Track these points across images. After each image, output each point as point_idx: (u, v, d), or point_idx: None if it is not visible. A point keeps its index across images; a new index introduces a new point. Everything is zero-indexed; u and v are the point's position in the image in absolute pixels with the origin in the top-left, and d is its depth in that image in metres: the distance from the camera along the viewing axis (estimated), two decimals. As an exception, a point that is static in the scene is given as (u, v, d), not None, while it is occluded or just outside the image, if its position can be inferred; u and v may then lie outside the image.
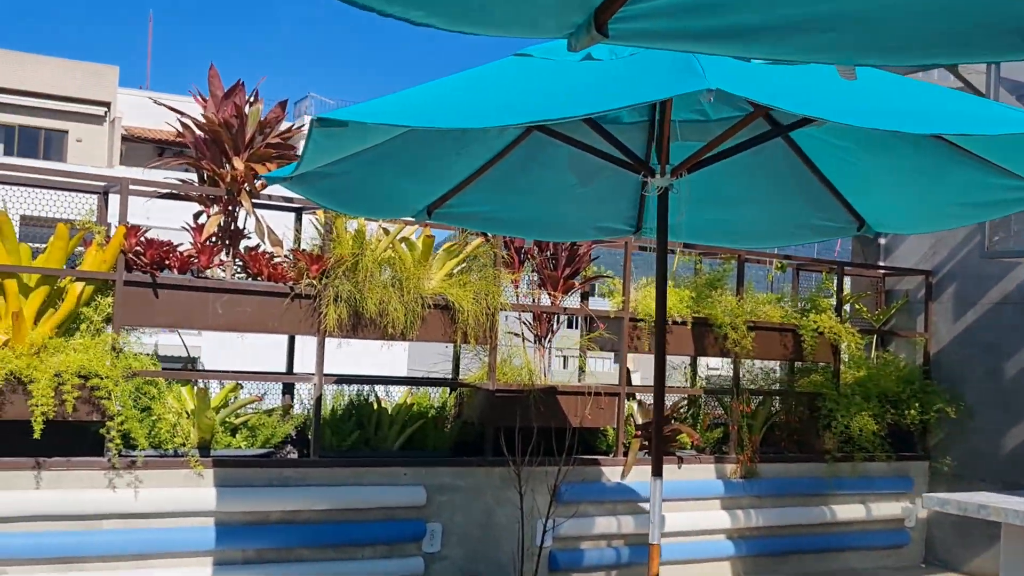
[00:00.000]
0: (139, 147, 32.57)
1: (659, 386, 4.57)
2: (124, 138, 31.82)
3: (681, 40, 2.42)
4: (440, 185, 5.29)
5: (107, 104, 32.05)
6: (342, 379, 6.55)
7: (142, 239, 5.72)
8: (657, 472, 4.52)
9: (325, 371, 6.27)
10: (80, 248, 5.87)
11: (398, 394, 7.10)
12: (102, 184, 6.08)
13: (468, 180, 5.24)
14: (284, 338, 6.72)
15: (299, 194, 4.84)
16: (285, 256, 6.22)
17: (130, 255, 5.70)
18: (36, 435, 5.26)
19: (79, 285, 5.64)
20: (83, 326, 5.71)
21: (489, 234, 6.69)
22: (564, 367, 8.42)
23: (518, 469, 6.40)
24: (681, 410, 7.87)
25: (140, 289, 5.75)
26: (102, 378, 5.46)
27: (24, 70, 30.87)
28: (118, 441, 5.57)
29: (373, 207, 5.33)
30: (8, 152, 30.67)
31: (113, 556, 5.66)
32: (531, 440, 6.49)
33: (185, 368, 6.28)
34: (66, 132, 32.23)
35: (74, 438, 5.57)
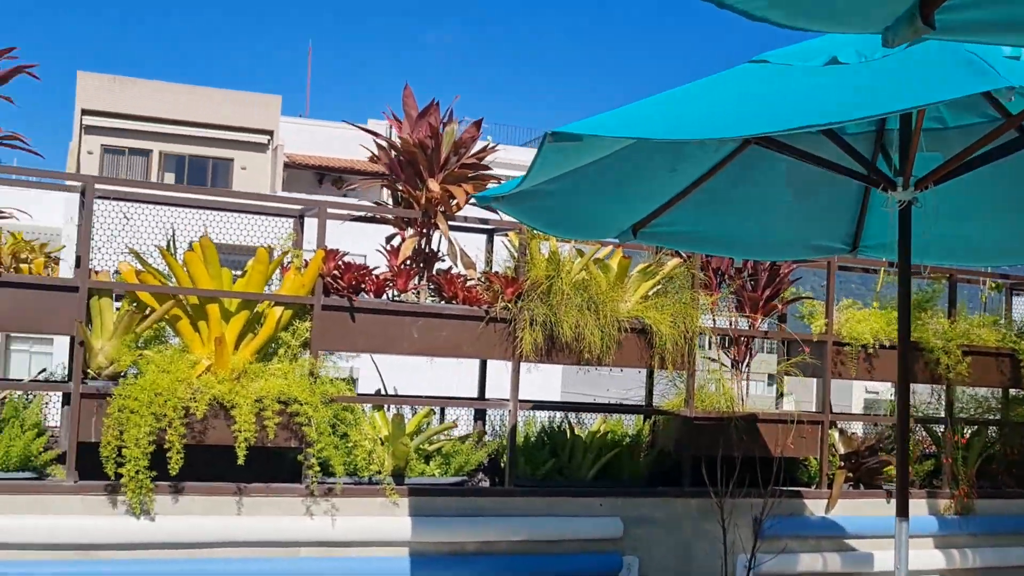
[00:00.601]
0: (300, 173, 33.45)
1: (903, 417, 4.18)
2: (286, 165, 32.71)
3: (1014, 32, 2.10)
4: (648, 203, 5.04)
5: (270, 132, 33.01)
6: (538, 405, 6.34)
7: (340, 263, 5.64)
8: (902, 512, 4.11)
9: (507, 397, 6.07)
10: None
11: (589, 421, 6.83)
12: (298, 208, 6.05)
13: (678, 197, 4.97)
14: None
15: (508, 214, 4.66)
16: (478, 279, 6.05)
17: (328, 279, 5.63)
18: (240, 461, 5.22)
19: (278, 310, 5.60)
20: (281, 351, 5.66)
21: (685, 255, 6.40)
22: (747, 393, 7.99)
23: (721, 501, 6.06)
24: (886, 440, 7.37)
25: (337, 313, 5.67)
26: (302, 404, 5.39)
27: (193, 102, 32.11)
28: (316, 468, 5.48)
29: (578, 227, 5.11)
30: (178, 180, 31.91)
31: (313, 585, 5.57)
32: (733, 470, 6.13)
33: (378, 394, 6.15)
34: (231, 160, 33.34)
35: (270, 464, 5.51)
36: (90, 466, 5.18)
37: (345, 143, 36.02)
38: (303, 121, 35.38)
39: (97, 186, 5.45)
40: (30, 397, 5.56)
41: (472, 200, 5.44)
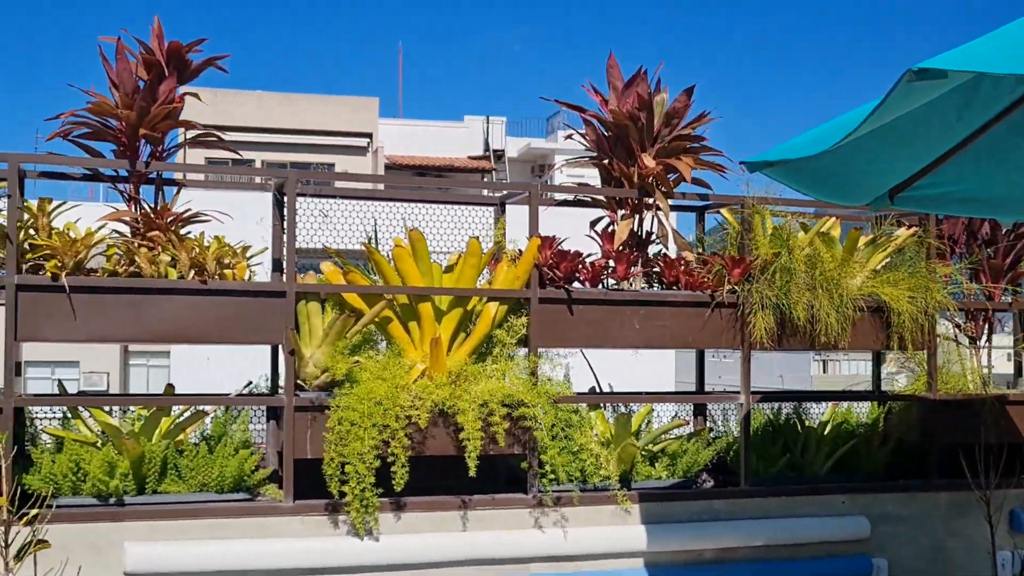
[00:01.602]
0: (400, 174, 33.27)
1: None
2: (386, 167, 32.57)
3: None
4: (914, 163, 4.44)
5: (369, 135, 32.92)
6: (766, 397, 5.79)
7: (555, 250, 5.15)
8: None
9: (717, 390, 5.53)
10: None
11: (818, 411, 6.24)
12: (499, 195, 5.59)
13: (950, 153, 4.36)
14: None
15: (775, 178, 4.12)
16: (696, 261, 5.52)
17: (544, 269, 5.15)
18: (471, 472, 4.78)
19: (492, 306, 5.14)
20: (496, 350, 5.20)
21: (919, 220, 5.78)
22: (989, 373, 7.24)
23: (986, 494, 5.42)
24: None
25: (554, 306, 5.19)
26: (528, 406, 4.92)
27: (291, 109, 32.15)
28: (550, 475, 5.01)
29: (838, 190, 4.53)
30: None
31: (544, 604, 5.11)
32: (989, 458, 5.50)
33: (593, 392, 5.66)
34: (332, 165, 33.29)
35: (483, 474, 5.02)
36: (301, 484, 4.79)
37: (442, 141, 35.88)
38: (401, 122, 35.24)
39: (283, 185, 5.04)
40: (230, 412, 5.19)
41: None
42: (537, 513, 5.12)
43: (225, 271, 4.78)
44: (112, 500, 4.66)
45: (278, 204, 5.31)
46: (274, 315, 4.82)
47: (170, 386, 5.14)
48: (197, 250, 4.71)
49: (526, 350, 5.24)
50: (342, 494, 4.69)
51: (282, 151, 32.58)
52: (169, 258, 4.73)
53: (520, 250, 5.23)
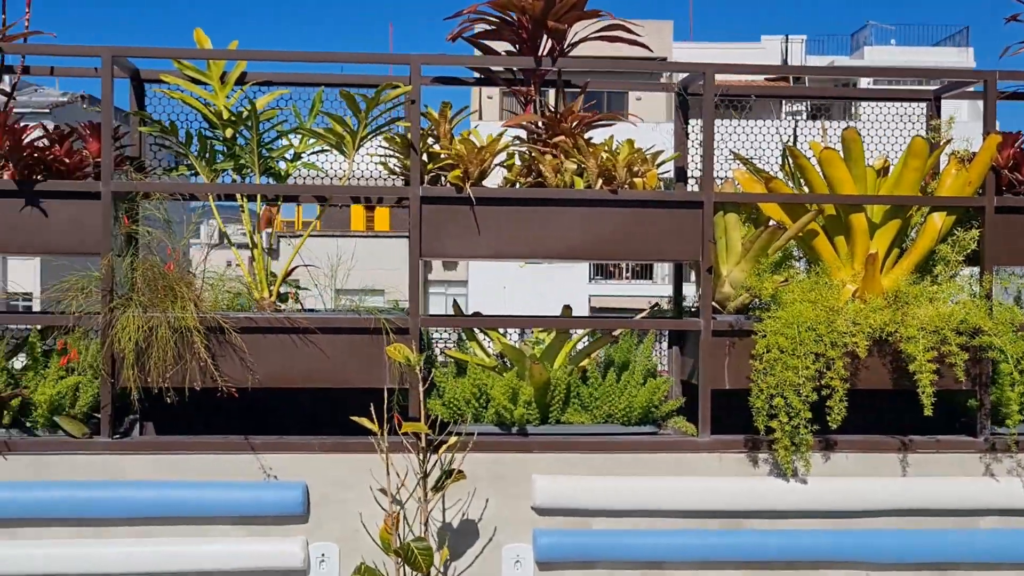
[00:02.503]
0: (694, 100, 32.23)
1: None
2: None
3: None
4: None
5: (664, 59, 32.01)
6: None
7: (1019, 148, 4.30)
8: None
9: None
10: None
11: None
12: (933, 88, 4.77)
13: None
14: None
15: None
16: None
17: (1005, 171, 4.32)
18: (927, 411, 4.08)
19: (938, 216, 4.37)
20: (937, 268, 4.44)
21: None
22: None
23: None
24: None
25: (1015, 217, 4.35)
26: (989, 335, 4.15)
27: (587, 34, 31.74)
28: (1018, 416, 4.24)
29: None
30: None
31: (989, 564, 4.37)
32: None
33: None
34: (625, 92, 32.70)
35: (917, 412, 4.27)
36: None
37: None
38: (694, 45, 34.07)
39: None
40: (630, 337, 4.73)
41: None
42: (988, 459, 4.36)
43: (634, 179, 4.27)
44: (515, 429, 4.32)
45: (682, 105, 4.75)
46: (689, 228, 4.28)
47: (567, 307, 4.73)
48: (606, 156, 4.23)
49: (971, 269, 4.46)
50: (769, 429, 4.13)
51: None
52: (575, 166, 4.28)
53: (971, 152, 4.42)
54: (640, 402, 4.34)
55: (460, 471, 3.93)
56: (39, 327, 4.32)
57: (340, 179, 4.43)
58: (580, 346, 4.74)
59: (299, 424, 4.31)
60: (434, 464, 4.03)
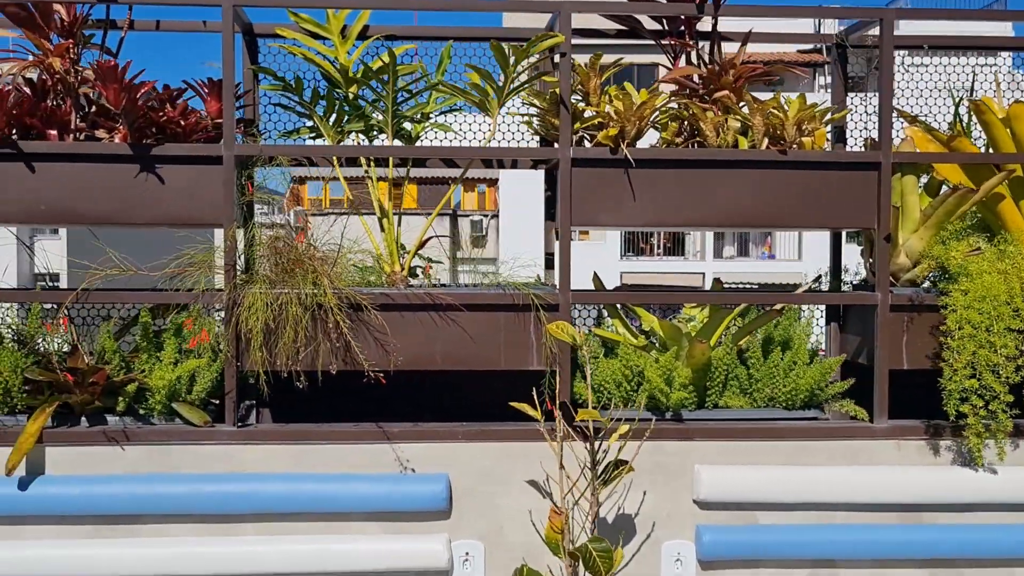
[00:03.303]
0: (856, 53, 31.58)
1: None
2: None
3: None
4: None
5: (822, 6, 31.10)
6: None
7: None
8: None
9: None
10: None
11: None
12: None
13: None
14: None
15: None
16: None
17: None
18: None
19: None
20: None
21: None
22: None
23: None
24: None
25: None
26: None
27: None
28: None
29: None
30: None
31: None
32: None
33: None
34: (656, 65, 32.11)
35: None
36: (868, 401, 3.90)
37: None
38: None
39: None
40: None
41: None
42: None
43: (803, 139, 3.86)
44: (669, 415, 3.94)
45: (841, 59, 4.33)
46: (864, 192, 3.87)
47: (718, 280, 4.32)
48: (775, 113, 3.82)
49: None
50: (960, 415, 3.73)
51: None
52: (739, 124, 3.87)
53: None
54: (806, 384, 3.95)
55: (627, 462, 3.54)
56: (149, 305, 3.95)
57: (483, 140, 4.04)
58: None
59: (403, 410, 3.93)
60: (599, 452, 3.64)
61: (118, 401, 3.81)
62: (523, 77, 3.83)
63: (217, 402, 3.93)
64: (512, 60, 3.70)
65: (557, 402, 3.59)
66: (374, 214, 4.10)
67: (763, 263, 31.97)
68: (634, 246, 33.11)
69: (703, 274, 29.47)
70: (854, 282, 4.40)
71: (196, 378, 3.84)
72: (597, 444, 3.50)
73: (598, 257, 30.72)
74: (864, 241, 4.16)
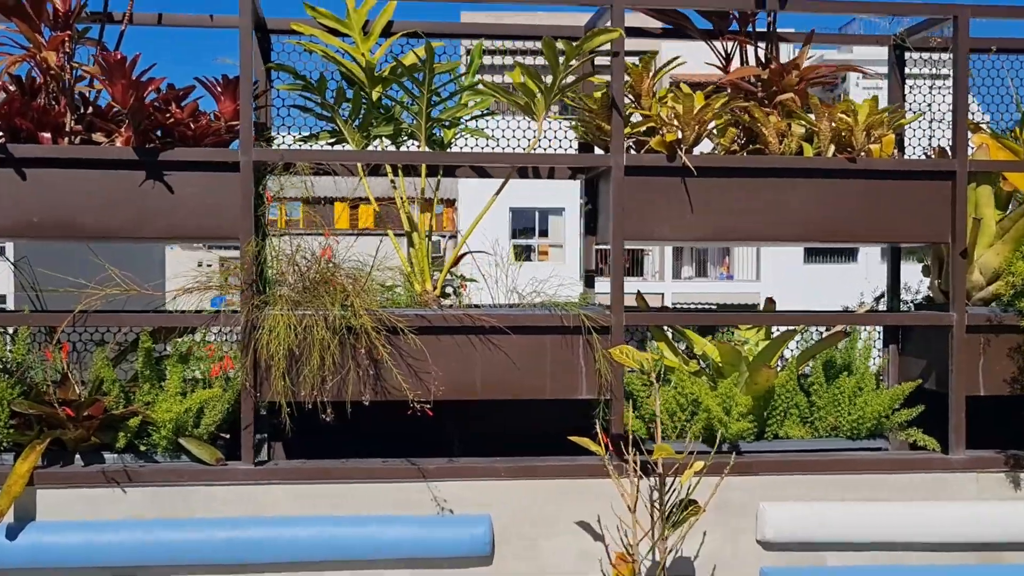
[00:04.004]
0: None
1: None
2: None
3: None
4: None
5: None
6: None
7: None
8: None
9: None
10: None
11: None
12: None
13: None
14: None
15: None
16: None
17: None
18: None
19: None
20: None
21: None
22: None
23: None
24: None
25: None
26: None
27: None
28: None
29: None
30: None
31: None
32: None
33: None
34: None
35: None
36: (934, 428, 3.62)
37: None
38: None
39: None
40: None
41: None
42: None
43: (871, 146, 3.56)
44: (726, 446, 3.60)
45: (898, 62, 4.04)
46: (937, 204, 3.58)
47: (770, 300, 4.00)
48: (843, 118, 3.51)
49: None
50: (1041, 445, 3.44)
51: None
52: (803, 129, 3.56)
53: None
54: (873, 412, 3.63)
55: (696, 502, 3.19)
56: (149, 328, 3.53)
57: (527, 147, 3.69)
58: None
59: (425, 439, 3.55)
60: (669, 492, 3.27)
61: (117, 437, 3.38)
62: (569, 78, 3.49)
63: (228, 436, 3.53)
64: (562, 59, 3.35)
65: (608, 433, 3.24)
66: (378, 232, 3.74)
67: (721, 283, 31.92)
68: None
69: (662, 294, 29.29)
70: (915, 301, 4.10)
71: (205, 410, 3.43)
72: (664, 480, 3.14)
73: (559, 278, 30.28)
74: (932, 257, 3.86)
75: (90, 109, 3.47)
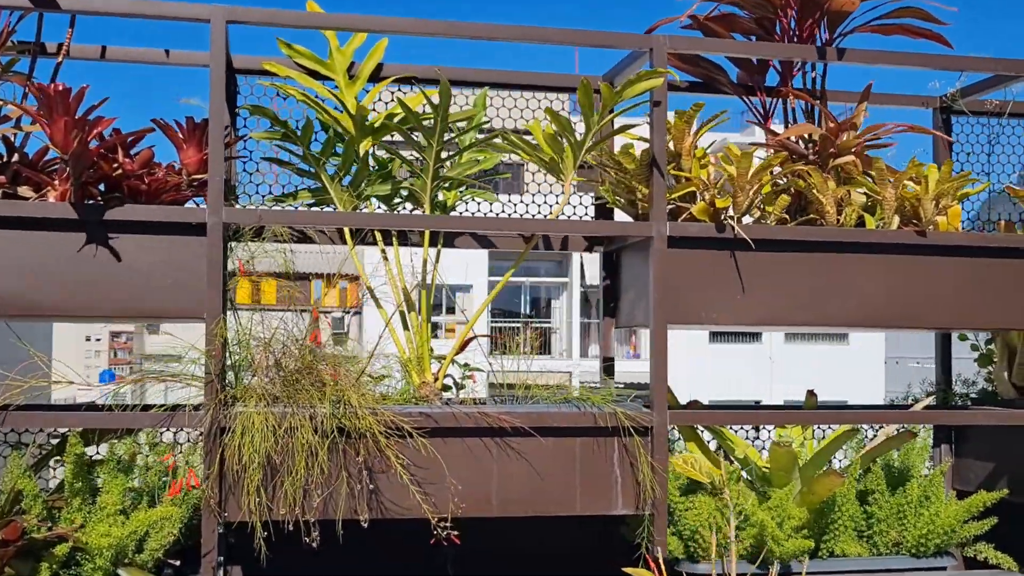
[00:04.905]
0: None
1: None
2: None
3: None
4: None
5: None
6: None
7: None
8: None
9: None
10: None
11: None
12: None
13: None
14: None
15: None
16: None
17: None
18: None
19: None
20: None
21: None
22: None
23: None
24: None
25: None
26: None
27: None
28: None
29: None
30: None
31: None
32: None
33: None
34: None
35: None
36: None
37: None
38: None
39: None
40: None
41: None
42: None
43: (938, 218, 3.10)
44: (775, 568, 3.03)
45: (945, 124, 3.63)
46: (1017, 284, 3.12)
47: (811, 393, 3.47)
48: (910, 185, 3.05)
49: None
50: None
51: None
52: (864, 198, 3.09)
53: None
54: (944, 525, 3.11)
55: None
56: (78, 430, 2.84)
57: (550, 213, 3.13)
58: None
59: (408, 556, 2.91)
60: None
61: (39, 568, 2.66)
62: (601, 132, 2.96)
63: (178, 563, 2.84)
64: (599, 107, 2.82)
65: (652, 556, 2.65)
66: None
67: (628, 363, 31.73)
68: (496, 343, 32.33)
69: (570, 372, 28.91)
70: (972, 395, 3.63)
71: (151, 532, 2.74)
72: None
73: (465, 356, 29.70)
74: (998, 344, 3.41)
75: (15, 156, 2.80)
